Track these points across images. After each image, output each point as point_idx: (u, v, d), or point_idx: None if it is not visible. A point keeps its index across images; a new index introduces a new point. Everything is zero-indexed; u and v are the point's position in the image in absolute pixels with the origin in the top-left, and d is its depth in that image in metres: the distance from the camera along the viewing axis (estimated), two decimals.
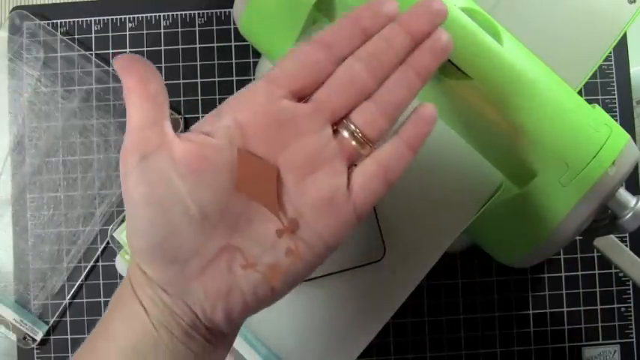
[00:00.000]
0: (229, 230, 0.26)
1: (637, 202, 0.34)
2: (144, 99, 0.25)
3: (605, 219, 0.36)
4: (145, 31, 0.50)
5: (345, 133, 0.27)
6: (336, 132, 0.27)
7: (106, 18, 0.50)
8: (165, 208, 0.25)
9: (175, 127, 0.49)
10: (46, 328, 0.47)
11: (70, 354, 0.47)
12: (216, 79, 0.49)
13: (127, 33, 0.50)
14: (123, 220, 0.47)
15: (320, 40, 0.27)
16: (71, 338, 0.47)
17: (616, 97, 0.49)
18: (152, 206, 0.25)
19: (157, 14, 0.50)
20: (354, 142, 0.27)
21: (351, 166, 0.28)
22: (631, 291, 0.49)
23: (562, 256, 0.49)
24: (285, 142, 0.26)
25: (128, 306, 0.26)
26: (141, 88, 0.25)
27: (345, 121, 0.27)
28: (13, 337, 0.47)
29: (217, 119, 0.26)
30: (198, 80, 0.49)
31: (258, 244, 0.26)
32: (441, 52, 0.27)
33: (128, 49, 0.50)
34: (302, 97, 0.27)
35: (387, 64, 0.27)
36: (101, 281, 0.48)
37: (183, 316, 0.26)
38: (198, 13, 0.50)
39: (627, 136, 0.35)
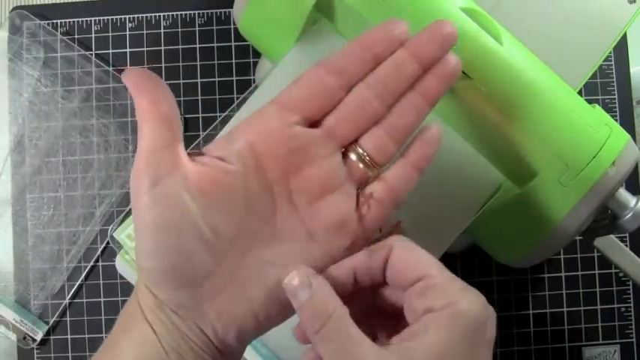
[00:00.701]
0: (242, 253, 0.26)
1: (637, 202, 0.34)
2: (157, 121, 0.25)
3: (605, 219, 0.36)
4: (145, 31, 0.50)
5: (354, 157, 0.28)
6: (345, 155, 0.28)
7: (106, 18, 0.50)
8: (178, 232, 0.24)
9: None
10: (46, 328, 0.47)
11: (70, 354, 0.47)
12: (216, 79, 0.49)
13: (127, 33, 0.50)
14: (123, 220, 0.47)
15: (331, 65, 0.27)
16: (71, 338, 0.47)
17: (616, 97, 0.49)
18: (165, 230, 0.24)
19: (157, 14, 0.50)
20: (362, 166, 0.28)
21: (359, 187, 0.28)
22: (631, 291, 0.49)
23: (562, 256, 0.49)
24: (297, 167, 0.27)
25: (137, 326, 0.26)
26: (154, 110, 0.25)
27: (354, 145, 0.28)
28: (13, 337, 0.47)
29: (229, 143, 0.26)
30: (198, 80, 0.49)
31: (272, 266, 0.26)
32: (449, 77, 0.27)
33: (128, 49, 0.50)
34: (313, 121, 0.27)
35: (395, 90, 0.27)
36: (101, 281, 0.48)
37: (194, 339, 0.26)
38: (198, 13, 0.50)
39: (627, 136, 0.35)
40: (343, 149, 0.28)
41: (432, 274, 0.25)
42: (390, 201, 0.28)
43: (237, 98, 0.49)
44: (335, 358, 0.24)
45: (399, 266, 0.26)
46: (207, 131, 0.48)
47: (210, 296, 0.25)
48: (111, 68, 0.49)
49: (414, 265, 0.26)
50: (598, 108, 0.35)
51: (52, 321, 0.47)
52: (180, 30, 0.50)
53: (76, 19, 0.50)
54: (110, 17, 0.50)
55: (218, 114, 0.49)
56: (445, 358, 0.23)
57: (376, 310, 0.28)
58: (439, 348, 0.23)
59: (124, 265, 0.46)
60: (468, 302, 0.24)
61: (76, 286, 0.48)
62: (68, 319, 0.48)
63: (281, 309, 0.27)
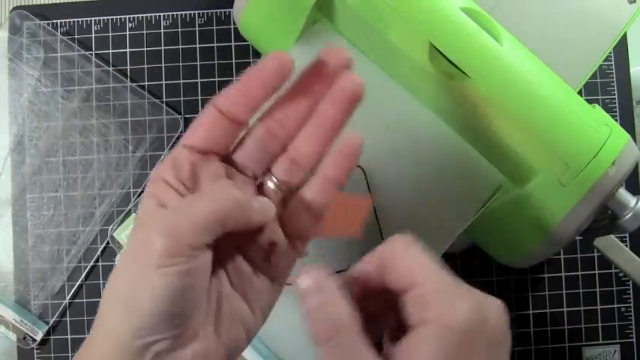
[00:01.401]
0: (219, 299, 0.27)
1: (637, 202, 0.34)
2: None
3: (605, 219, 0.36)
4: (145, 31, 0.50)
5: (271, 185, 0.29)
6: (261, 185, 0.29)
7: (106, 18, 0.50)
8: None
9: (175, 127, 0.49)
10: (46, 328, 0.47)
11: (70, 354, 0.47)
12: (216, 79, 0.49)
13: (127, 33, 0.50)
14: (123, 220, 0.47)
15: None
16: (71, 338, 0.47)
17: (616, 97, 0.49)
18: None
19: (157, 14, 0.50)
20: (280, 192, 0.28)
21: (282, 207, 0.29)
22: (631, 291, 0.49)
23: (562, 256, 0.49)
24: None
25: None
26: None
27: (268, 173, 0.29)
28: (13, 337, 0.47)
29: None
30: (198, 80, 0.49)
31: (236, 302, 0.27)
32: (347, 103, 0.28)
33: (128, 49, 0.50)
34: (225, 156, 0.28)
35: (293, 124, 0.28)
36: (101, 281, 0.48)
37: None
38: (198, 13, 0.50)
39: (627, 136, 0.35)
40: (259, 180, 0.29)
41: (424, 281, 0.25)
42: (310, 215, 0.28)
43: None
44: None
45: (395, 271, 0.26)
46: None
47: (189, 341, 0.25)
48: (111, 68, 0.49)
49: (407, 270, 0.26)
50: (598, 108, 0.35)
51: (52, 321, 0.47)
52: (180, 30, 0.50)
53: (76, 19, 0.50)
54: (110, 17, 0.50)
55: None
56: None
57: (385, 311, 0.28)
58: None
59: None
60: (458, 313, 0.24)
61: (76, 286, 0.48)
62: (68, 319, 0.48)
63: (244, 342, 0.27)
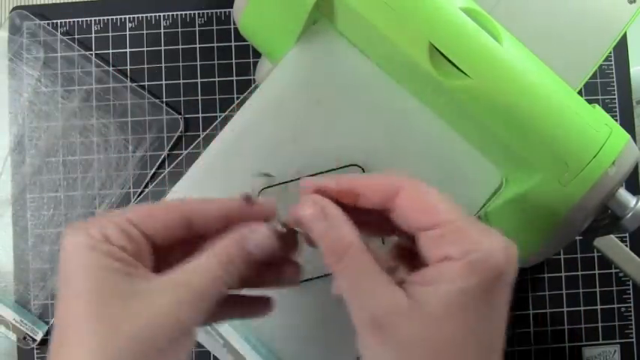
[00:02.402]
0: None
1: (637, 202, 0.34)
2: None
3: (605, 219, 0.36)
4: (145, 31, 0.50)
5: None
6: None
7: (106, 18, 0.50)
8: None
9: (175, 127, 0.49)
10: (46, 328, 0.47)
11: None
12: (216, 79, 0.49)
13: (127, 33, 0.50)
14: None
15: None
16: None
17: (616, 97, 0.49)
18: None
19: (157, 14, 0.50)
20: None
21: None
22: (631, 291, 0.49)
23: (562, 256, 0.49)
24: None
25: None
26: None
27: None
28: (13, 337, 0.47)
29: None
30: (198, 80, 0.49)
31: None
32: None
33: (128, 49, 0.50)
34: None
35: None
36: None
37: None
38: (198, 13, 0.50)
39: (627, 136, 0.34)
40: None
41: (449, 219, 0.24)
42: None
43: (237, 98, 0.49)
44: (350, 292, 0.24)
45: (410, 210, 0.25)
46: (207, 131, 0.48)
47: None
48: (111, 68, 0.49)
49: (427, 210, 0.25)
50: (598, 108, 0.35)
51: (52, 321, 0.47)
52: (180, 30, 0.50)
53: (76, 19, 0.50)
54: (110, 17, 0.50)
55: (218, 114, 0.49)
56: (457, 307, 0.23)
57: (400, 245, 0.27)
58: (453, 297, 0.23)
59: None
60: (487, 250, 0.23)
61: None
62: None
63: None
